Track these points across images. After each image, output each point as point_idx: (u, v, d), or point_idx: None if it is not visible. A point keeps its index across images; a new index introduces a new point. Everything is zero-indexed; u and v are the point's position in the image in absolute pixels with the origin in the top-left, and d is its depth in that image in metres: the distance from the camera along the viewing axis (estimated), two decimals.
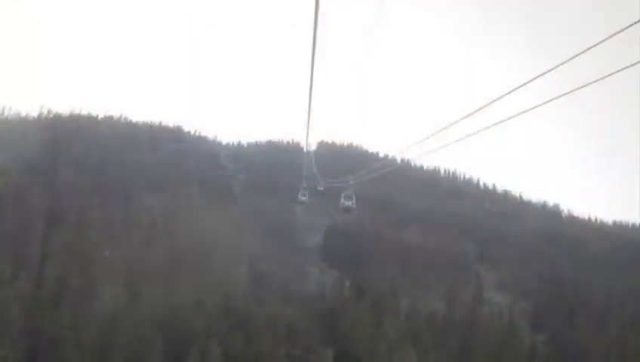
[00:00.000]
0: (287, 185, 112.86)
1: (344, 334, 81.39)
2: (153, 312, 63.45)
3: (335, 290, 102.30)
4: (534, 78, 11.83)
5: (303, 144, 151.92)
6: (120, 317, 60.67)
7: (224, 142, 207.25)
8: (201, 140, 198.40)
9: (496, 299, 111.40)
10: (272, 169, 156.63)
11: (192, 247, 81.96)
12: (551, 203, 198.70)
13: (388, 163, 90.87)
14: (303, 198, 53.55)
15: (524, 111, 13.56)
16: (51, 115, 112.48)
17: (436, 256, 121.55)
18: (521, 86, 12.26)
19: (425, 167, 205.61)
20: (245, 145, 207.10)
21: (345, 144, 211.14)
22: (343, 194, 37.88)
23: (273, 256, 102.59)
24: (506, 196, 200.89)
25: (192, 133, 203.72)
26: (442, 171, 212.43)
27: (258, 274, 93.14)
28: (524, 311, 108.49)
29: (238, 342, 67.95)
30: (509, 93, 12.70)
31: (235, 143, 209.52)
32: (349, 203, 37.56)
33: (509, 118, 14.47)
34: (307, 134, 19.80)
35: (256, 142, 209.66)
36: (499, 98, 13.28)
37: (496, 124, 15.13)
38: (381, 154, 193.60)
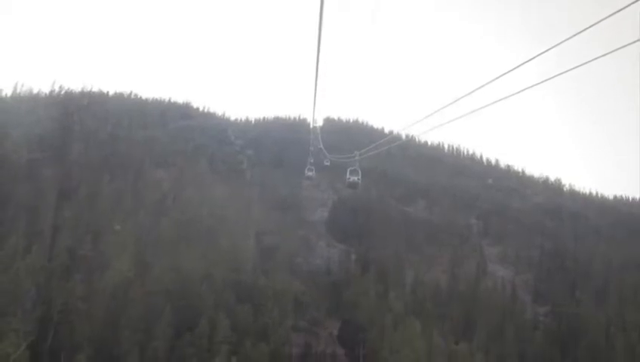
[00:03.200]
0: (294, 161, 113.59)
1: (350, 306, 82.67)
2: (163, 284, 64.37)
3: (341, 263, 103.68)
4: (537, 56, 12.05)
5: (309, 120, 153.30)
6: (130, 289, 61.67)
7: (232, 118, 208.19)
8: (209, 116, 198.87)
9: (498, 272, 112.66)
10: (279, 145, 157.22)
11: (200, 221, 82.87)
12: (553, 178, 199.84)
13: (393, 139, 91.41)
14: (310, 173, 54.23)
15: (526, 88, 14.06)
16: (63, 92, 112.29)
17: (440, 230, 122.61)
18: (523, 64, 12.47)
19: (429, 143, 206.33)
20: (253, 122, 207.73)
21: (351, 120, 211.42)
22: (348, 170, 38.07)
23: (280, 230, 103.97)
24: (508, 171, 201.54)
25: (201, 109, 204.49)
26: (446, 147, 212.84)
27: (265, 247, 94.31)
28: (526, 284, 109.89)
29: (245, 313, 69.05)
30: (512, 70, 12.98)
31: (243, 119, 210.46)
32: (354, 178, 37.79)
33: (512, 95, 14.76)
34: (314, 110, 20.45)
35: (264, 119, 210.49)
36: (501, 75, 13.56)
37: (499, 101, 15.49)
38: (386, 130, 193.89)
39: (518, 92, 14.51)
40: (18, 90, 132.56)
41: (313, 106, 19.93)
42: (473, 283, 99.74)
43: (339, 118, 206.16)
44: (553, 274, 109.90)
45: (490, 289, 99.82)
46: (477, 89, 14.96)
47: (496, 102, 15.49)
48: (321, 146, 55.80)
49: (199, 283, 69.80)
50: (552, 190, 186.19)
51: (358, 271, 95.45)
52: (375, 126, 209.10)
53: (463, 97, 16.06)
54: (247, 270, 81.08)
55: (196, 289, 68.43)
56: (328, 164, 57.22)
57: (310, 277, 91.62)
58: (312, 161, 54.56)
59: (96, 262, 62.21)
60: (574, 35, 10.92)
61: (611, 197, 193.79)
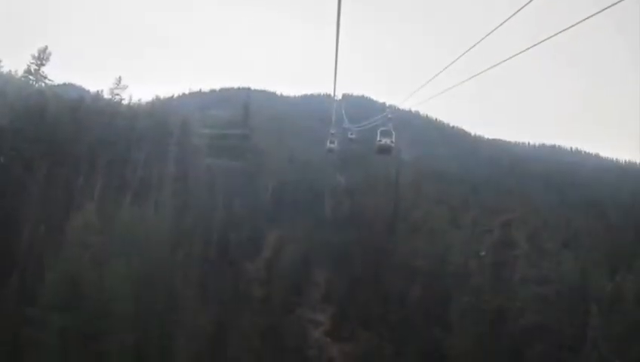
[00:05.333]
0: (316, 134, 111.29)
1: None
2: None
3: None
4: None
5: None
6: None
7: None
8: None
9: None
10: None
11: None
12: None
13: (392, 111, 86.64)
14: (332, 145, 48.95)
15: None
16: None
17: None
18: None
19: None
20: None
21: (354, 94, 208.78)
22: (379, 131, 30.87)
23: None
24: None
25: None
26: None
27: None
28: None
29: None
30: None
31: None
32: (387, 140, 30.50)
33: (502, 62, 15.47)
34: (335, 79, 18.56)
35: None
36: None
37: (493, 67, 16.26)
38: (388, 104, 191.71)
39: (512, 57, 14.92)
40: None
41: (334, 75, 18.40)
42: None
43: (352, 94, 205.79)
44: None
45: None
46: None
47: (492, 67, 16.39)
48: (345, 118, 51.10)
49: None
50: None
51: None
52: (379, 100, 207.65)
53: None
54: None
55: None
56: (353, 137, 51.63)
57: None
58: (333, 132, 49.18)
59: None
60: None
61: None
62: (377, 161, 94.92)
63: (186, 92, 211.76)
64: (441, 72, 18.44)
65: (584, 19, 11.21)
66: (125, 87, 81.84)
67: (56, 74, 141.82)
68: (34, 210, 59.92)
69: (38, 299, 45.17)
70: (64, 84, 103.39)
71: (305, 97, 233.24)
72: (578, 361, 48.08)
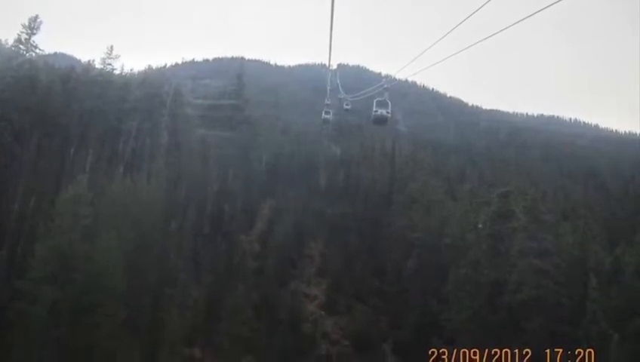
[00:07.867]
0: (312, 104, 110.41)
1: None
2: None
3: None
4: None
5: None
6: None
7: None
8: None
9: None
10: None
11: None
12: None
13: (388, 81, 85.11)
14: (327, 116, 48.12)
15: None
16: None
17: None
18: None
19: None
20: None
21: (350, 64, 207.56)
22: (375, 101, 30.26)
23: None
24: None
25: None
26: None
27: None
28: None
29: None
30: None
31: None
32: (383, 111, 29.96)
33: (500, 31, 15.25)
34: (330, 48, 20.21)
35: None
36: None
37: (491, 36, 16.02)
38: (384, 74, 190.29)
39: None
40: None
41: (329, 45, 19.91)
42: None
43: (348, 64, 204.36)
44: None
45: None
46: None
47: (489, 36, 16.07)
48: (340, 89, 49.93)
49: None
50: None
51: None
52: (374, 70, 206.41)
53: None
54: None
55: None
56: (349, 107, 50.45)
57: None
58: (328, 102, 48.25)
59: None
60: None
61: None
62: (373, 131, 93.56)
63: (179, 62, 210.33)
64: (438, 40, 18.13)
65: None
66: (117, 57, 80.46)
67: (47, 43, 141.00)
68: (24, 182, 59.01)
69: (28, 272, 44.35)
70: (55, 54, 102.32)
71: (300, 67, 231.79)
72: (577, 335, 47.15)
